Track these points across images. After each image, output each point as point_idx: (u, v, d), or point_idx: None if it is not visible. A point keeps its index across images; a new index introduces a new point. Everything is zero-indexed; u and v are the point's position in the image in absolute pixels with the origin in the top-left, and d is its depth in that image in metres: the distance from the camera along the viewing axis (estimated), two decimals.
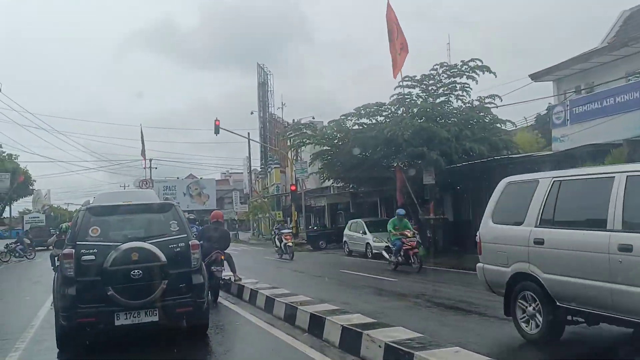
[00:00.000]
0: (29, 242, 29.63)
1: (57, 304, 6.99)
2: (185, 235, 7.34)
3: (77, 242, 6.89)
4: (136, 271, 6.72)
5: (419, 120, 21.11)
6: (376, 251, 21.60)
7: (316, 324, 7.28)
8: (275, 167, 46.79)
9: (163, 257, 6.86)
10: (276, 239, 24.96)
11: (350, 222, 24.92)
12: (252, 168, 53.28)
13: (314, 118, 33.62)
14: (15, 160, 44.82)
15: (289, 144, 34.07)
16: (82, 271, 6.74)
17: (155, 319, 6.93)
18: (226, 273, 11.51)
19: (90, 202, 8.07)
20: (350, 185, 30.35)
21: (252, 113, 55.43)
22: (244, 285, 11.00)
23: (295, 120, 44.09)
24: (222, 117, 66.84)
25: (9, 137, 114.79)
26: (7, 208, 54.71)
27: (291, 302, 8.45)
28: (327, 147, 25.27)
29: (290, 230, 27.12)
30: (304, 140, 25.76)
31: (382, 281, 13.39)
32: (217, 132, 31.98)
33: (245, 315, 9.17)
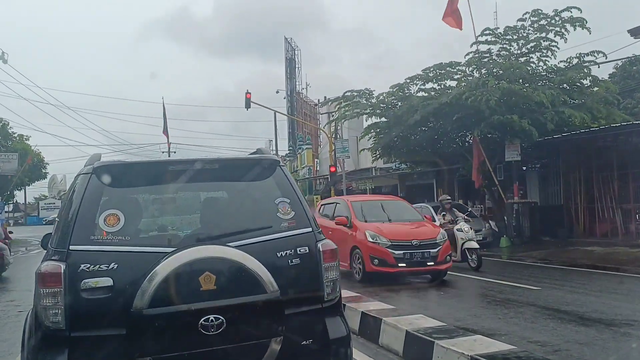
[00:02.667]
0: None
1: None
2: (310, 229, 3.31)
3: (72, 248, 2.90)
4: (212, 318, 2.77)
5: (505, 83, 17.23)
6: None
7: None
8: (307, 148, 42.71)
9: (273, 283, 2.92)
10: None
11: None
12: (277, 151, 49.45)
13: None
14: (27, 142, 41.38)
15: (330, 118, 30.20)
16: (82, 316, 2.81)
17: None
18: None
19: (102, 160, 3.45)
20: (407, 164, 26.43)
21: (277, 92, 51.48)
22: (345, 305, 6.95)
23: (326, 98, 40.20)
24: (239, 103, 63.03)
25: (21, 117, 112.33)
26: (21, 193, 51.66)
27: (480, 356, 4.43)
28: (383, 119, 21.33)
29: None
30: (358, 110, 21.71)
31: (522, 291, 9.30)
32: (248, 106, 28.42)
33: None
